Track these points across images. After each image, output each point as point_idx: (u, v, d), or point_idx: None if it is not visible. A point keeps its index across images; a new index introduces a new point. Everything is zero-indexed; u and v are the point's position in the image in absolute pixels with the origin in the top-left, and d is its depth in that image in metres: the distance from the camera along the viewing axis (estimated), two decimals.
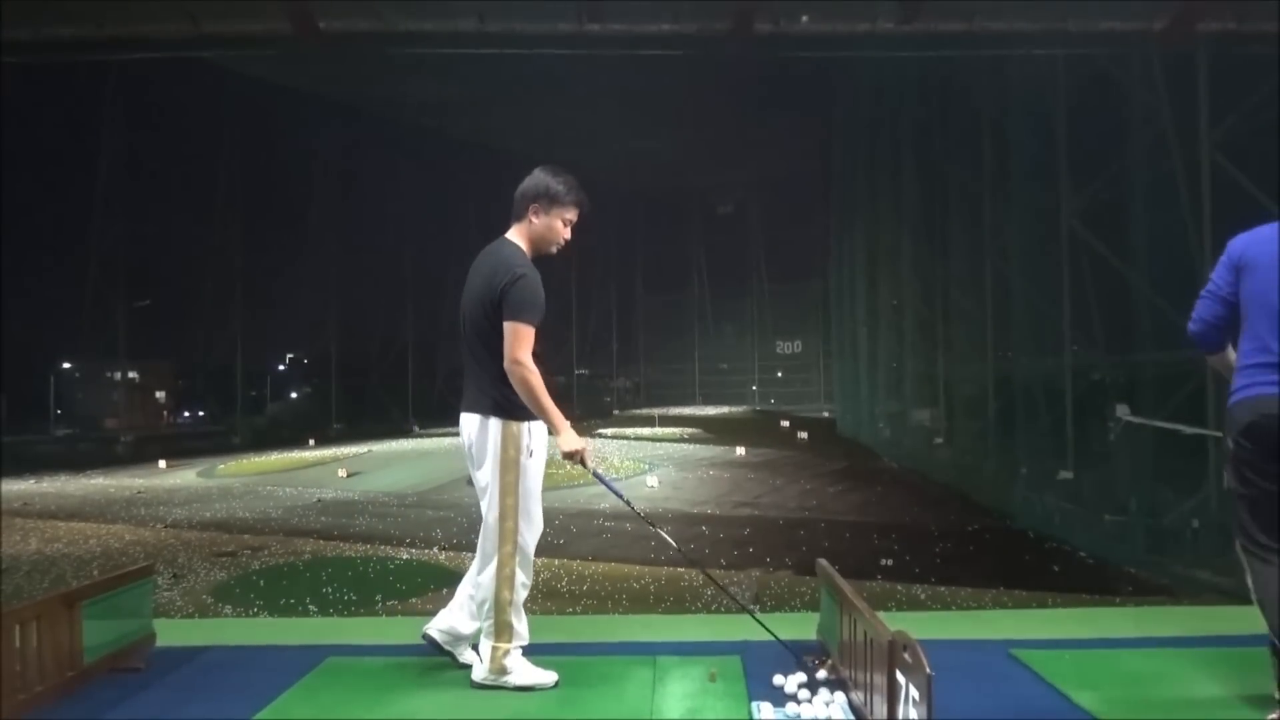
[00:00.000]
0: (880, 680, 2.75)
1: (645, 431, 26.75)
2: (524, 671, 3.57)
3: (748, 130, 29.88)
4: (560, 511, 12.60)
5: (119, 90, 24.77)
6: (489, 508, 3.60)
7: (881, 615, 3.00)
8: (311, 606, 8.24)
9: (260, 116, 26.06)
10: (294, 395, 38.14)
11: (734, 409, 37.81)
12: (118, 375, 31.07)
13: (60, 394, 32.52)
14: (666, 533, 4.38)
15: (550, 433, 3.62)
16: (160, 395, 36.15)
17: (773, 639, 3.84)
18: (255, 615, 7.84)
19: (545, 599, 8.06)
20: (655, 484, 15.52)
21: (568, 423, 3.59)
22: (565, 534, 11.34)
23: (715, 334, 45.24)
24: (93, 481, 18.23)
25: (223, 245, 28.25)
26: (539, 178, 3.70)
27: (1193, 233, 9.29)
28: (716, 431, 26.25)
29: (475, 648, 3.67)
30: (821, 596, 4.02)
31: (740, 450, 20.39)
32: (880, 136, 20.35)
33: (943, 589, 8.62)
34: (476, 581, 3.67)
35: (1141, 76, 10.07)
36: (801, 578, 8.87)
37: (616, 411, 38.32)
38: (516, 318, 3.50)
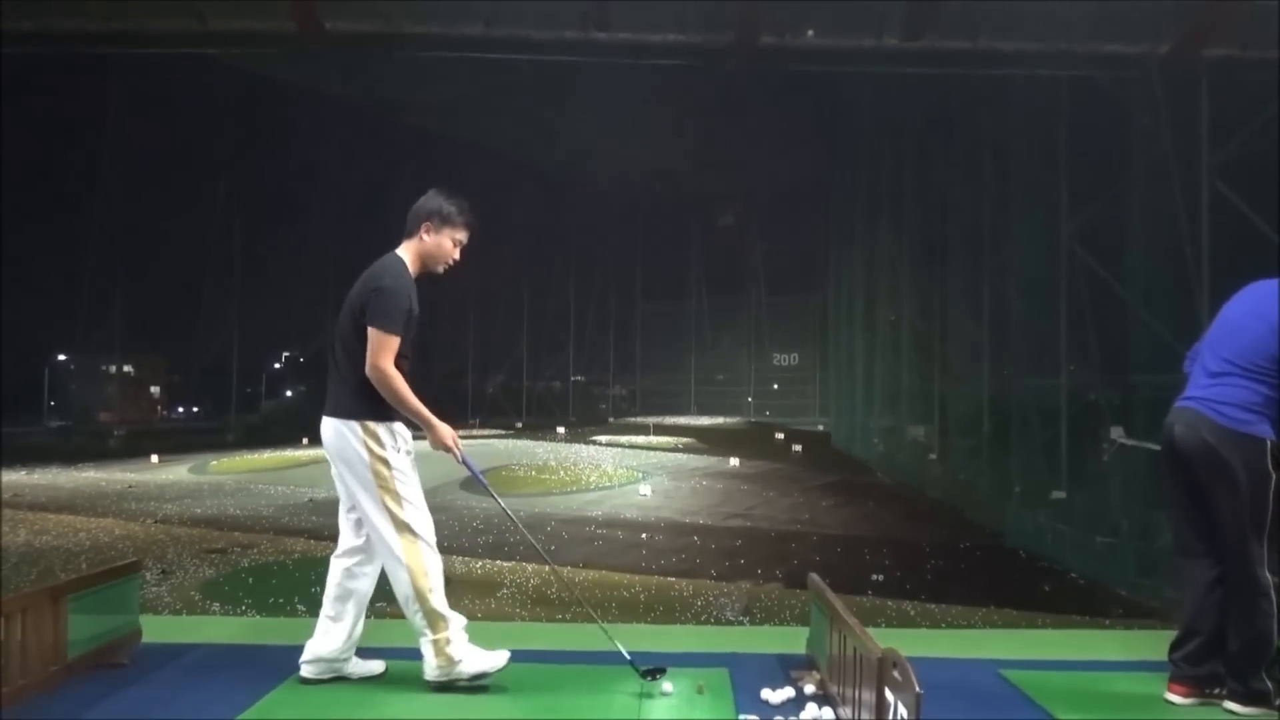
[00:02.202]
0: (869, 697, 2.74)
1: (640, 440, 26.73)
2: (473, 658, 3.58)
3: (751, 143, 29.96)
4: (552, 518, 12.58)
5: (121, 84, 24.76)
6: (370, 509, 3.61)
7: (871, 631, 2.99)
8: (300, 605, 8.20)
9: (263, 114, 26.07)
10: (289, 394, 38.08)
11: (729, 420, 37.81)
12: (113, 369, 31.05)
13: (55, 386, 32.44)
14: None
15: (424, 431, 3.68)
16: (155, 390, 36.08)
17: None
18: (243, 613, 7.81)
19: (534, 605, 8.03)
20: (648, 493, 15.50)
21: (435, 419, 3.65)
22: (556, 540, 11.32)
23: (712, 345, 45.21)
24: (84, 474, 18.18)
25: (221, 241, 28.24)
26: (434, 198, 3.82)
27: (1190, 257, 9.31)
28: (711, 442, 26.23)
29: (425, 655, 3.64)
30: (812, 610, 4.01)
31: (734, 461, 20.37)
32: (882, 153, 20.39)
33: (933, 606, 8.60)
34: (346, 593, 3.70)
35: (1143, 100, 10.10)
36: (792, 590, 8.85)
37: (611, 419, 38.30)
38: (374, 324, 3.58)
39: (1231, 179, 9.13)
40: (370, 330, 3.58)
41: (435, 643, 3.55)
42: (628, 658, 3.63)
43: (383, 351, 3.56)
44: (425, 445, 3.75)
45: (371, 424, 3.61)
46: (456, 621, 3.60)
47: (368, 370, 3.57)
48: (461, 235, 3.85)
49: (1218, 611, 3.48)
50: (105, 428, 28.58)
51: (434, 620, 3.56)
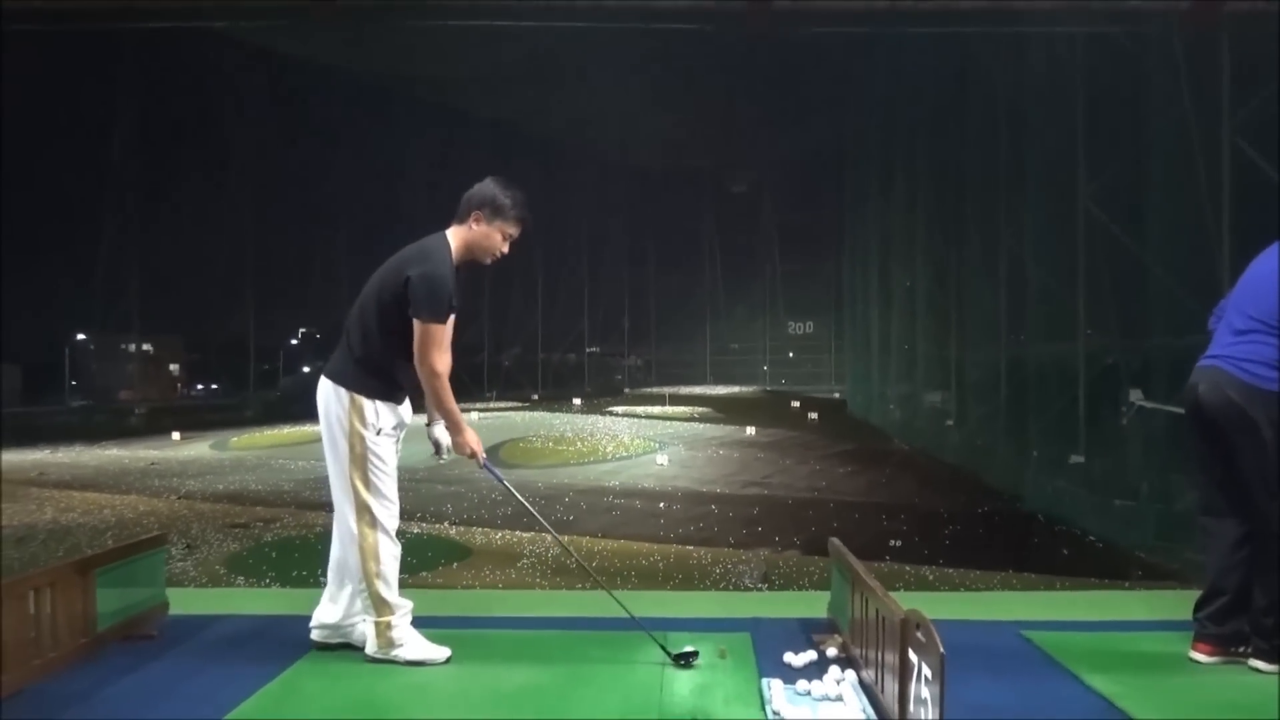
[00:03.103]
0: (892, 659, 2.74)
1: (656, 410, 26.76)
2: (414, 645, 3.60)
3: (763, 109, 29.63)
4: (570, 488, 12.63)
5: (133, 59, 24.68)
6: (336, 479, 3.62)
7: (892, 595, 2.99)
8: (322, 578, 8.26)
9: (277, 90, 25.98)
10: (306, 370, 38.26)
11: (745, 389, 37.79)
12: (132, 348, 31.26)
13: (75, 366, 32.70)
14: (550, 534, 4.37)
15: (451, 432, 3.68)
16: (174, 368, 36.31)
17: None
18: (267, 586, 7.89)
19: (554, 574, 8.08)
20: (665, 462, 15.53)
21: (467, 424, 3.67)
22: (575, 510, 11.37)
23: (727, 314, 45.13)
24: (107, 452, 18.36)
25: (237, 219, 28.27)
26: (489, 187, 3.71)
27: (1211, 217, 9.17)
28: (727, 411, 26.24)
29: (366, 632, 3.68)
30: (833, 575, 4.01)
31: (750, 430, 20.38)
32: (896, 117, 20.16)
33: (951, 571, 8.60)
34: (341, 561, 3.71)
35: (1162, 58, 9.92)
36: (810, 557, 8.87)
37: (628, 390, 38.34)
38: (419, 316, 3.50)
39: (1253, 137, 8.96)
40: (415, 324, 3.49)
41: (377, 624, 3.59)
42: (662, 645, 3.60)
43: (431, 345, 3.49)
44: (468, 416, 3.76)
45: (360, 398, 3.57)
46: (403, 608, 3.61)
47: (416, 363, 3.51)
48: (513, 230, 3.73)
49: (1243, 570, 3.47)
50: (126, 406, 28.80)
51: (378, 604, 3.58)
